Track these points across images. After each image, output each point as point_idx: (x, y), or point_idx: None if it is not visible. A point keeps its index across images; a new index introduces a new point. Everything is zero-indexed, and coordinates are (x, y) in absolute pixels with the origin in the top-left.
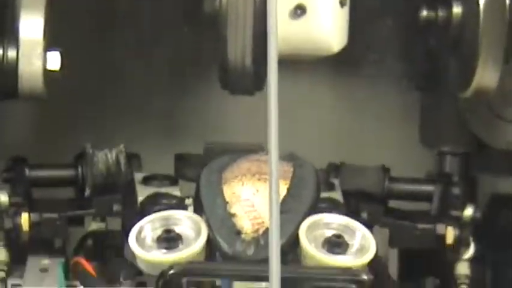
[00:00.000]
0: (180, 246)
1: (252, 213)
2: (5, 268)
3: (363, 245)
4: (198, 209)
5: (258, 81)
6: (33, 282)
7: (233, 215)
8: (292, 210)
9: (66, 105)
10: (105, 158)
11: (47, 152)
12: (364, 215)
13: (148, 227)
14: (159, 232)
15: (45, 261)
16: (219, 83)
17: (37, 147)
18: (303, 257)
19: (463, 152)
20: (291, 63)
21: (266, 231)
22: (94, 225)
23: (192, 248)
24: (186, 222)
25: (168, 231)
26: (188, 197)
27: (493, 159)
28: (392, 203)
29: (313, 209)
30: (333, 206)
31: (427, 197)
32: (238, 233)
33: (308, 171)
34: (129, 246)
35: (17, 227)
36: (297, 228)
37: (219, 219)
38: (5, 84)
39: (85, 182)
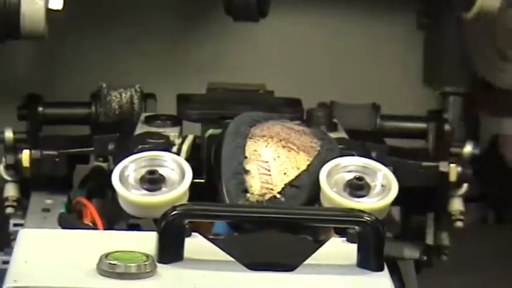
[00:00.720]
0: (163, 188)
1: (265, 176)
2: (14, 204)
3: (385, 185)
4: (217, 154)
5: (263, 5)
6: (35, 222)
7: (246, 172)
8: (305, 187)
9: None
10: (119, 97)
11: (63, 90)
12: (374, 154)
13: (131, 167)
14: (142, 172)
15: (48, 201)
16: (223, 8)
17: (53, 85)
18: (325, 203)
19: (466, 92)
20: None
21: (271, 200)
22: (96, 164)
23: (175, 191)
24: (170, 164)
25: (151, 172)
26: (183, 137)
27: (497, 100)
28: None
29: None
30: (348, 147)
31: (420, 135)
32: (245, 191)
33: (334, 155)
34: None
35: (18, 163)
36: (304, 204)
37: (231, 170)
38: (7, 24)
39: (98, 120)
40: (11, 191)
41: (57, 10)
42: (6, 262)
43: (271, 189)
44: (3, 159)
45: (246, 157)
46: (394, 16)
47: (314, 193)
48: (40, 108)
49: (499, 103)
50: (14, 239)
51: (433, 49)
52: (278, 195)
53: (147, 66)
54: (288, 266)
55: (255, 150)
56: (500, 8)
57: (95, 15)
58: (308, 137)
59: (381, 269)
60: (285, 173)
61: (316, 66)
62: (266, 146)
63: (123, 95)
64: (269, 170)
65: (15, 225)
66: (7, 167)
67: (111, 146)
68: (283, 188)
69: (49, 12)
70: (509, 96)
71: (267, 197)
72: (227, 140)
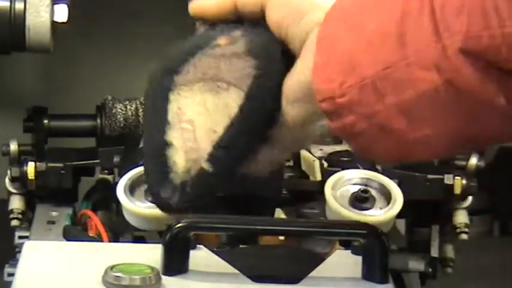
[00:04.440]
0: None
1: (190, 142)
2: (20, 216)
3: (389, 197)
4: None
5: None
6: (40, 234)
7: (169, 144)
8: (235, 144)
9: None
10: (125, 109)
11: (69, 102)
12: (379, 167)
13: (137, 179)
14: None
15: (53, 213)
16: None
17: (59, 98)
18: (331, 215)
19: None
20: None
21: (199, 175)
22: (102, 176)
23: None
24: None
25: None
26: None
27: None
28: None
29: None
30: (353, 159)
31: None
32: (168, 171)
33: (274, 79)
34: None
35: (24, 175)
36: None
37: (152, 147)
38: (12, 36)
39: (103, 133)
40: (16, 203)
41: (63, 22)
42: (12, 274)
43: (198, 159)
44: (9, 172)
45: (169, 123)
46: None
47: (252, 139)
48: (45, 121)
49: None
50: (19, 251)
51: None
52: (206, 165)
53: None
54: (293, 278)
55: (179, 108)
56: None
57: (100, 27)
58: (241, 61)
59: (386, 282)
60: (213, 130)
61: None
62: (191, 97)
63: (128, 107)
64: (194, 132)
65: (20, 237)
66: (12, 179)
67: (116, 159)
68: (211, 153)
69: (54, 24)
70: None
71: (193, 172)
72: (147, 106)
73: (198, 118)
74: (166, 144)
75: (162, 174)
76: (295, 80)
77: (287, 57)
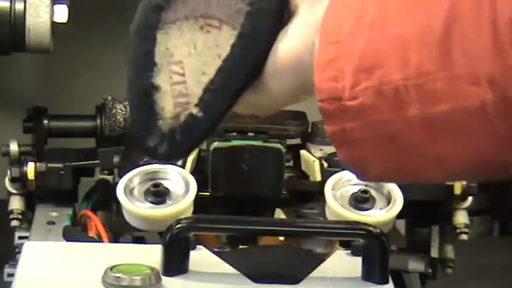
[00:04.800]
0: (168, 201)
1: (178, 86)
2: (19, 217)
3: (390, 198)
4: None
5: None
6: (40, 235)
7: (156, 88)
8: (224, 86)
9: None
10: (125, 109)
11: (69, 103)
12: None
13: (136, 180)
14: (147, 185)
15: (53, 214)
16: None
17: (59, 98)
18: (331, 215)
19: None
20: None
21: (188, 120)
22: (101, 177)
23: (180, 204)
24: (175, 177)
25: (156, 185)
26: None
27: None
28: None
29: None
30: None
31: None
32: (156, 117)
33: (269, 16)
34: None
35: (24, 175)
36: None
37: (138, 92)
38: (12, 37)
39: (103, 133)
40: (16, 203)
41: (62, 23)
42: (11, 275)
43: (187, 103)
44: (9, 172)
45: (155, 64)
46: None
47: (243, 83)
48: (45, 121)
49: None
50: (19, 252)
51: None
52: (195, 110)
53: None
54: (293, 278)
55: (167, 49)
56: None
57: (100, 27)
58: None
59: (386, 282)
60: (203, 72)
61: None
62: (180, 37)
63: (128, 107)
64: (183, 74)
65: (20, 237)
66: (12, 180)
67: (116, 159)
68: (201, 97)
69: (54, 25)
70: None
71: (182, 117)
72: (132, 47)
73: (186, 58)
74: (153, 88)
75: (148, 121)
76: (291, 47)
77: None
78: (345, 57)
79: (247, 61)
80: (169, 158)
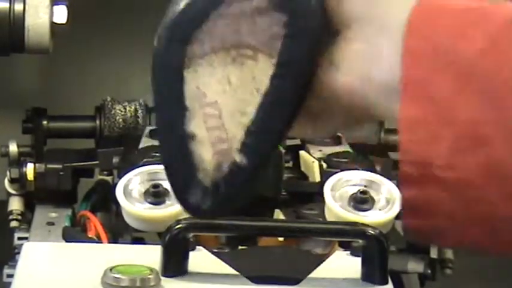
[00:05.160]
0: (167, 202)
1: (216, 131)
2: (19, 217)
3: (389, 199)
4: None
5: None
6: (39, 236)
7: (192, 137)
8: (265, 126)
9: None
10: (124, 110)
11: (68, 104)
12: (378, 168)
13: (136, 180)
14: (146, 186)
15: (52, 214)
16: None
17: (58, 99)
18: (330, 216)
19: None
20: None
21: (232, 169)
22: (101, 178)
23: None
24: None
25: (155, 186)
26: None
27: None
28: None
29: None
30: (352, 161)
31: None
32: (195, 170)
33: (310, 36)
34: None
35: (23, 176)
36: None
37: (172, 143)
38: (12, 38)
39: (102, 134)
40: (15, 204)
41: (62, 24)
42: (11, 275)
43: (228, 150)
44: (8, 173)
45: (188, 109)
46: None
47: (289, 118)
48: (44, 122)
49: None
50: (19, 253)
51: None
52: (238, 158)
53: None
54: (292, 279)
55: (197, 88)
56: None
57: (100, 28)
58: (266, 18)
59: (385, 283)
60: (241, 112)
61: None
62: (211, 73)
63: (128, 108)
64: (220, 117)
65: (19, 238)
66: (12, 181)
67: (115, 160)
68: (243, 141)
69: (54, 26)
70: None
71: (225, 168)
72: (155, 89)
73: (221, 97)
74: (189, 137)
75: (188, 175)
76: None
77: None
78: (437, 118)
79: (291, 93)
80: (215, 214)
